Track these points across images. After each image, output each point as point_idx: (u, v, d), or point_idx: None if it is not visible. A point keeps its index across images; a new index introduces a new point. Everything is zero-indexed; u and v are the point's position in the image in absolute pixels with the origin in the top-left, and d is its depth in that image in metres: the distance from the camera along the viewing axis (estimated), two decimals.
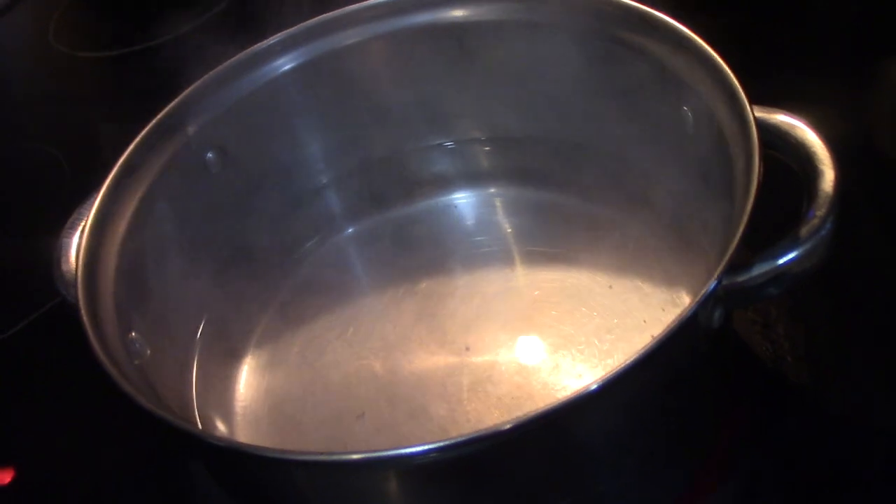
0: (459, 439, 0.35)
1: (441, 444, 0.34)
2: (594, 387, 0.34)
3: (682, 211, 0.51)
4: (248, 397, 0.53)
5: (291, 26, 0.57)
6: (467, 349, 0.53)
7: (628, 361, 0.34)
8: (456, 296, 0.55)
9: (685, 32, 0.47)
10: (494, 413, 0.50)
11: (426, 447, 0.34)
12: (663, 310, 0.52)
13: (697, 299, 0.36)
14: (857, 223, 0.51)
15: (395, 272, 0.57)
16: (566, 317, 0.53)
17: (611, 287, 0.54)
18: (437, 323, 0.54)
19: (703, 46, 0.45)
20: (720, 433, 0.48)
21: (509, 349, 0.52)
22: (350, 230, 0.60)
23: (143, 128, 0.51)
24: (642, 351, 0.35)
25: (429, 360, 0.53)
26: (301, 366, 0.54)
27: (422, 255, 0.58)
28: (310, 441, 0.50)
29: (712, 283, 0.36)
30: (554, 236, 0.57)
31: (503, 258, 0.57)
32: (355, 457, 0.36)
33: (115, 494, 0.54)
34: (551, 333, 0.52)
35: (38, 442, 0.59)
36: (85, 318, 0.41)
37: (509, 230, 0.58)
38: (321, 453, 0.37)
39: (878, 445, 0.47)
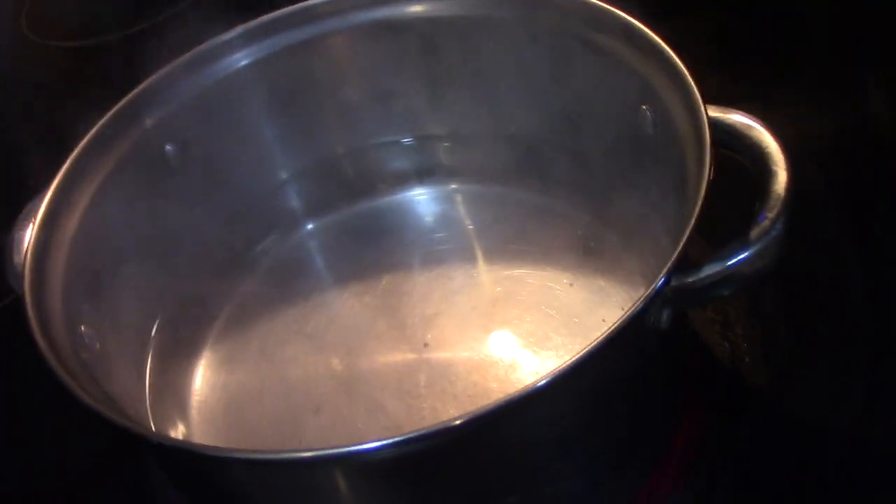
0: (409, 436, 0.34)
1: (391, 440, 0.34)
2: (541, 383, 0.34)
3: (642, 210, 0.51)
4: (205, 393, 0.53)
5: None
6: (426, 345, 0.52)
7: (575, 358, 0.34)
8: (416, 292, 0.55)
9: (644, 31, 0.46)
10: (450, 409, 0.49)
11: (376, 444, 0.34)
12: (623, 308, 0.51)
13: (644, 297, 0.35)
14: (815, 225, 0.51)
15: (355, 268, 0.57)
16: (526, 314, 0.53)
17: (571, 285, 0.53)
18: (397, 319, 0.54)
19: (660, 45, 0.45)
20: (677, 433, 0.48)
21: (468, 346, 0.52)
22: (310, 226, 0.60)
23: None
24: (589, 347, 0.34)
25: (387, 356, 0.53)
26: (259, 361, 0.54)
27: (382, 251, 0.58)
28: (266, 436, 0.50)
29: (659, 282, 0.36)
30: (515, 233, 0.56)
31: (464, 255, 0.57)
32: (304, 455, 0.35)
33: (69, 494, 0.54)
34: (511, 331, 0.52)
35: None
36: (29, 309, 0.40)
37: (470, 227, 0.58)
38: (269, 452, 0.36)
39: (835, 446, 0.47)
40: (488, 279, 0.55)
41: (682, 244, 0.36)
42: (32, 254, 0.44)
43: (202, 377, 0.54)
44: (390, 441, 0.34)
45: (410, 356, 0.52)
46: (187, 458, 0.38)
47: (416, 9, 0.53)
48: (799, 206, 0.39)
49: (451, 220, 0.59)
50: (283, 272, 0.58)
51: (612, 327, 0.35)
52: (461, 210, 0.59)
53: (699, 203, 0.38)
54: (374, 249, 0.58)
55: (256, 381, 0.53)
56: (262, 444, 0.49)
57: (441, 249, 0.57)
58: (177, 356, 0.53)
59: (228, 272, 0.57)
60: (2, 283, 0.61)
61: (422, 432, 0.34)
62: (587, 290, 0.53)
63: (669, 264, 0.36)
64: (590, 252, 0.54)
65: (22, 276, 0.44)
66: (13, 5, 1.00)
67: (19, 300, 0.45)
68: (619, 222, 0.53)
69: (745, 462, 0.48)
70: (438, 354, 0.52)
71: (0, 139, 0.84)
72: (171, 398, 0.52)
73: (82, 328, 0.44)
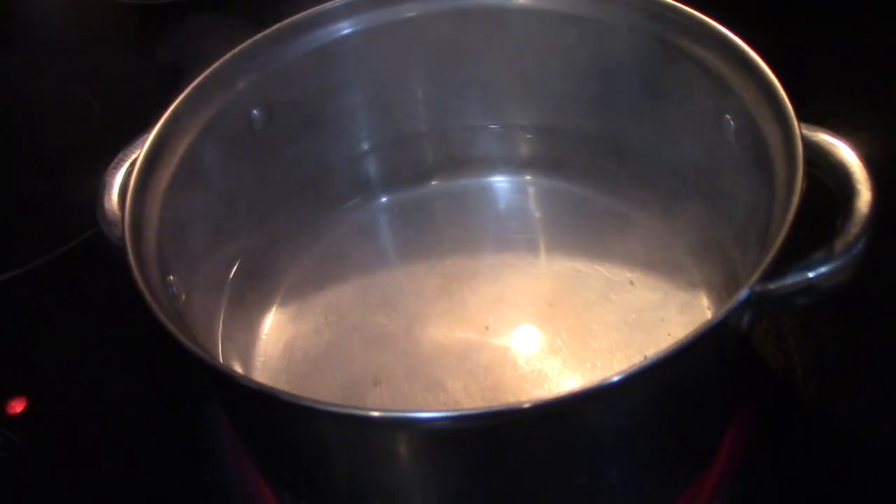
0: (483, 410, 0.36)
1: (460, 413, 0.36)
2: (615, 379, 0.35)
3: (712, 220, 0.53)
4: (268, 352, 0.54)
5: None
6: (487, 328, 0.54)
7: (653, 358, 0.35)
8: (480, 276, 0.57)
9: (736, 41, 0.47)
10: (508, 393, 0.51)
11: (448, 414, 0.36)
12: (681, 311, 0.53)
13: (733, 302, 0.37)
14: (875, 245, 0.52)
15: (423, 245, 0.58)
16: (585, 308, 0.54)
17: (632, 283, 0.55)
18: (460, 300, 0.56)
19: (754, 57, 0.46)
20: (727, 437, 0.50)
21: (528, 333, 0.53)
22: (385, 199, 0.61)
23: (178, 81, 0.52)
24: (670, 348, 0.36)
25: (448, 335, 0.54)
26: (323, 326, 0.55)
27: (451, 232, 0.59)
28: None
29: (748, 288, 0.37)
30: (581, 228, 0.58)
31: (531, 246, 0.58)
32: (375, 414, 0.36)
33: (125, 430, 0.56)
34: (569, 322, 0.54)
35: (53, 374, 0.60)
36: (131, 259, 0.42)
37: (539, 219, 0.60)
38: (347, 407, 0.37)
39: (881, 462, 0.49)
40: (551, 271, 0.57)
41: (775, 250, 0.38)
42: (131, 205, 0.45)
43: (266, 338, 0.55)
44: (464, 413, 0.36)
45: (471, 337, 0.54)
46: (273, 406, 0.39)
47: (516, 1, 0.54)
48: (872, 242, 0.41)
49: (521, 211, 0.60)
50: (354, 241, 0.59)
51: (698, 329, 0.36)
52: (532, 202, 0.61)
53: (791, 213, 0.39)
54: (444, 230, 0.59)
55: (319, 345, 0.54)
56: None
57: (509, 238, 0.58)
58: (244, 314, 0.55)
59: (302, 235, 0.58)
60: (78, 223, 0.63)
61: (495, 409, 0.36)
62: (648, 291, 0.54)
63: (760, 270, 0.38)
64: (654, 255, 0.55)
65: (114, 223, 0.46)
66: None
67: (99, 239, 0.47)
68: (688, 230, 0.54)
69: (790, 471, 0.49)
70: (498, 338, 0.53)
71: (60, 89, 0.86)
72: (237, 354, 0.53)
73: (171, 277, 0.46)
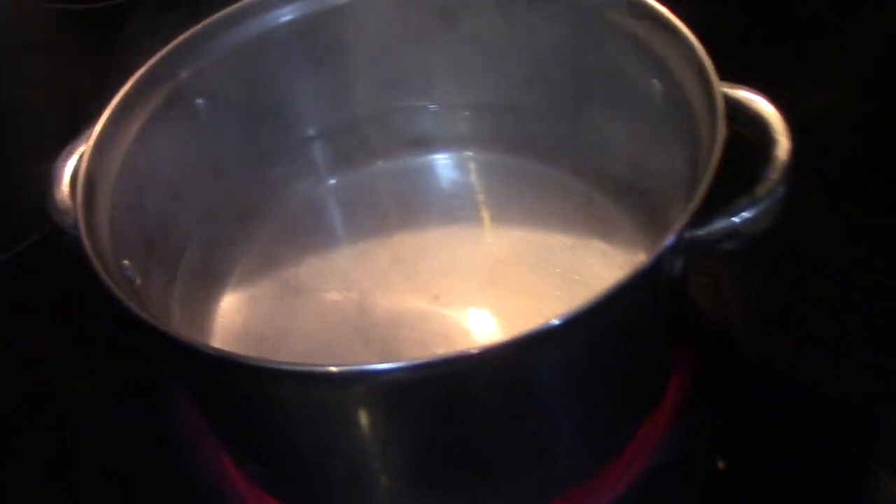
0: (433, 359, 0.37)
1: (418, 362, 0.37)
2: (557, 321, 0.37)
3: (645, 178, 0.55)
4: (225, 334, 0.56)
5: None
6: (437, 298, 0.56)
7: (593, 300, 0.37)
8: (428, 249, 0.59)
9: (657, 7, 0.50)
10: None
11: (402, 364, 0.36)
12: (622, 268, 0.55)
13: (663, 245, 0.39)
14: (799, 198, 0.55)
15: (372, 224, 0.60)
16: (531, 272, 0.56)
17: (573, 247, 0.57)
18: (410, 273, 0.57)
19: (675, 22, 0.49)
20: (671, 385, 0.52)
21: (477, 299, 0.55)
22: (332, 181, 0.63)
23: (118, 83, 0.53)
24: (607, 290, 0.38)
25: (401, 306, 0.56)
26: (278, 306, 0.57)
27: (399, 209, 0.61)
28: None
29: (675, 234, 0.40)
30: (523, 199, 0.60)
31: (474, 217, 0.60)
32: (333, 369, 0.37)
33: (84, 422, 0.57)
34: (516, 287, 0.56)
35: (8, 372, 0.60)
36: (86, 244, 0.43)
37: (481, 191, 0.62)
38: (305, 364, 0.38)
39: (812, 399, 0.52)
40: (496, 240, 0.59)
41: (697, 199, 0.40)
42: (83, 187, 0.46)
43: (221, 320, 0.56)
44: (418, 363, 0.37)
45: (423, 306, 0.55)
46: (233, 372, 0.40)
47: None
48: (791, 187, 0.43)
49: (465, 186, 0.62)
50: (305, 222, 0.61)
51: (631, 272, 0.38)
52: (474, 177, 0.63)
53: (713, 164, 0.41)
54: (391, 208, 0.61)
55: (275, 324, 0.56)
56: None
57: (453, 211, 0.61)
58: (199, 298, 0.56)
59: (253, 218, 0.60)
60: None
61: (446, 356, 0.37)
62: (588, 252, 0.57)
63: (686, 216, 0.40)
64: (591, 218, 0.58)
65: (67, 211, 0.47)
66: None
67: (56, 231, 0.48)
68: (623, 193, 0.57)
69: (728, 414, 0.52)
70: (449, 306, 0.55)
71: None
72: (195, 336, 0.54)
73: (125, 262, 0.47)
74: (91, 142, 0.48)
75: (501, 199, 0.61)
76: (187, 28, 0.56)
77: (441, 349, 0.52)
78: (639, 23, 0.51)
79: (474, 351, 0.37)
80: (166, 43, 0.55)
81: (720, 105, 0.44)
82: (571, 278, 0.55)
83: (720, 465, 0.51)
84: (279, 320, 0.56)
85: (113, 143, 0.50)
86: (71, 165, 0.50)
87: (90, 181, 0.47)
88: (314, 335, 0.55)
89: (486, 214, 0.61)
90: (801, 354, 0.54)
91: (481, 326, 0.54)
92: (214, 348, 0.40)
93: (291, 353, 0.54)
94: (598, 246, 0.57)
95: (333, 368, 0.37)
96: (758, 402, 0.52)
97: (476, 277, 0.57)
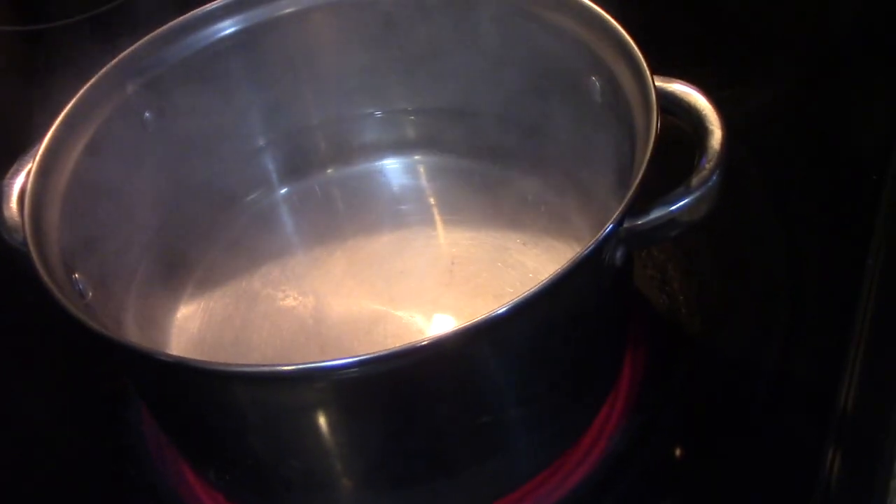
0: (383, 353, 0.37)
1: (364, 357, 0.37)
2: (502, 309, 0.38)
3: (589, 175, 0.56)
4: (181, 343, 0.56)
5: None
6: (391, 300, 0.57)
7: (535, 287, 0.38)
8: (381, 253, 0.59)
9: (592, 7, 0.51)
10: None
11: (356, 359, 0.37)
12: None
13: (601, 235, 0.40)
14: (740, 192, 0.57)
15: (324, 230, 0.61)
16: (483, 272, 0.57)
17: (525, 245, 0.58)
18: (364, 277, 0.58)
19: (608, 20, 0.50)
20: (622, 373, 0.53)
21: (431, 300, 0.56)
22: (283, 191, 0.64)
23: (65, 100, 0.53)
24: (549, 278, 0.39)
25: (355, 310, 0.56)
26: (234, 314, 0.57)
27: (350, 215, 0.62)
28: None
29: (613, 223, 0.41)
30: (472, 200, 0.61)
31: (425, 220, 0.61)
32: (286, 369, 0.38)
33: (44, 437, 0.57)
34: (469, 287, 0.57)
35: None
36: (35, 259, 0.43)
37: (431, 194, 0.63)
38: (259, 366, 0.40)
39: (758, 381, 0.53)
40: (447, 241, 0.60)
41: (632, 190, 0.41)
42: (30, 205, 0.46)
43: (178, 331, 0.57)
44: (369, 357, 0.37)
45: (377, 309, 0.56)
46: (184, 376, 0.41)
47: None
48: (725, 175, 0.45)
49: (414, 189, 0.63)
50: (258, 232, 0.61)
51: (573, 259, 0.39)
52: (424, 180, 0.64)
53: (647, 155, 0.43)
54: (343, 214, 0.62)
55: (232, 332, 0.56)
56: None
57: (404, 215, 0.62)
58: (154, 311, 0.56)
59: (205, 229, 0.60)
60: None
61: (396, 350, 0.38)
62: (540, 249, 0.58)
63: (622, 207, 0.41)
64: (541, 215, 0.59)
65: (16, 228, 0.47)
66: None
67: (4, 251, 0.48)
68: (570, 189, 0.58)
69: (680, 402, 0.54)
70: (403, 308, 0.56)
71: None
72: (151, 345, 0.55)
73: (76, 276, 0.47)
74: (37, 158, 0.48)
75: (452, 201, 0.62)
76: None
77: None
78: (576, 22, 0.53)
79: (424, 342, 0.38)
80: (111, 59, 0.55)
81: (653, 98, 0.45)
82: (525, 276, 0.56)
83: (675, 451, 0.52)
84: (235, 329, 0.56)
85: (60, 159, 0.50)
86: (19, 182, 0.50)
87: (37, 197, 0.47)
88: (271, 343, 0.55)
89: (438, 217, 0.61)
90: (750, 340, 0.55)
91: (437, 327, 0.55)
92: (165, 353, 0.40)
93: (248, 360, 0.54)
94: (549, 243, 0.58)
95: (285, 367, 0.38)
96: (709, 388, 0.54)
97: (431, 279, 0.58)
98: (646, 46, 0.49)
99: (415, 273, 0.58)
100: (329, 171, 0.64)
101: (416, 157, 0.64)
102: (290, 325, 0.56)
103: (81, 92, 0.52)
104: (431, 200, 0.63)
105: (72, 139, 0.51)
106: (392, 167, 0.64)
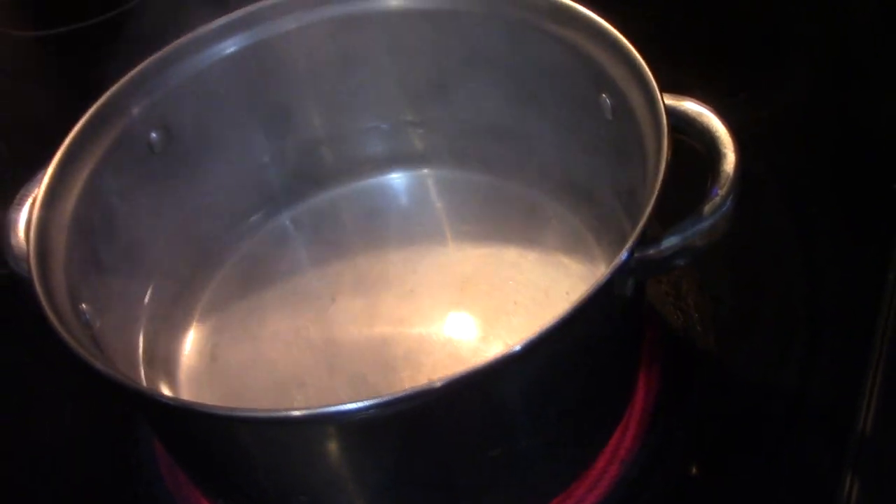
0: (397, 395, 0.37)
1: (382, 399, 0.37)
2: (517, 348, 0.37)
3: (601, 191, 0.55)
4: (192, 370, 0.56)
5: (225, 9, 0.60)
6: (402, 320, 0.56)
7: (549, 324, 0.38)
8: (391, 271, 0.59)
9: (601, 24, 0.50)
10: (426, 379, 0.53)
11: (367, 403, 0.37)
12: (584, 282, 0.55)
13: (612, 268, 0.39)
14: (755, 205, 0.56)
15: (333, 248, 0.60)
16: (494, 290, 0.57)
17: (536, 261, 0.57)
18: (373, 296, 0.58)
19: (618, 37, 0.49)
20: (637, 396, 0.53)
21: (441, 320, 0.56)
22: (290, 207, 0.63)
23: (82, 108, 0.53)
24: (563, 314, 0.38)
25: (365, 331, 0.56)
26: (243, 338, 0.57)
27: (358, 232, 0.61)
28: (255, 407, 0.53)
29: (625, 254, 0.40)
30: (482, 215, 0.60)
31: (435, 235, 0.60)
32: (296, 414, 0.38)
33: (56, 457, 0.57)
34: (481, 305, 0.56)
35: None
36: (39, 291, 0.43)
37: (441, 209, 0.62)
38: (268, 411, 0.39)
39: (777, 406, 0.52)
40: (458, 258, 0.59)
41: (644, 219, 0.40)
42: (35, 236, 0.46)
43: (189, 354, 0.56)
44: (381, 400, 0.37)
45: (388, 330, 0.56)
46: (191, 418, 0.41)
47: (393, 3, 0.56)
48: (739, 200, 0.44)
49: (422, 203, 0.63)
50: (265, 251, 0.61)
51: (584, 295, 0.38)
52: (433, 193, 0.63)
53: (658, 184, 0.42)
54: (351, 230, 0.61)
55: (241, 356, 0.56)
56: None
57: (414, 231, 0.61)
58: (164, 334, 0.56)
59: (213, 250, 0.60)
60: None
61: (409, 392, 0.37)
62: (550, 265, 0.57)
63: (633, 239, 0.40)
64: (551, 231, 0.58)
65: (23, 258, 0.47)
66: None
67: (12, 277, 0.48)
68: (580, 205, 0.57)
69: (694, 422, 0.53)
70: (414, 328, 0.56)
71: None
72: (161, 374, 0.54)
73: (83, 306, 0.47)
74: (42, 187, 0.48)
75: (461, 215, 0.61)
76: (146, 51, 0.57)
77: (406, 373, 0.53)
78: (585, 38, 0.51)
79: (437, 385, 0.37)
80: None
81: (664, 122, 0.44)
82: (535, 295, 0.56)
83: (690, 473, 0.51)
84: (245, 351, 0.56)
85: (65, 186, 0.49)
86: (25, 211, 0.50)
87: (43, 228, 0.47)
88: (281, 364, 0.55)
89: (447, 232, 0.61)
90: (766, 360, 0.54)
91: (446, 348, 0.54)
92: (171, 397, 0.40)
93: (259, 383, 0.54)
94: (559, 259, 0.57)
95: (294, 413, 0.37)
96: (724, 408, 0.53)
97: (440, 297, 0.57)
98: (655, 51, 0.48)
99: (425, 291, 0.57)
100: (335, 186, 0.63)
101: (425, 171, 0.63)
102: (300, 346, 0.56)
103: (86, 115, 0.52)
104: (440, 215, 0.62)
105: (78, 164, 0.51)
106: (399, 181, 0.64)
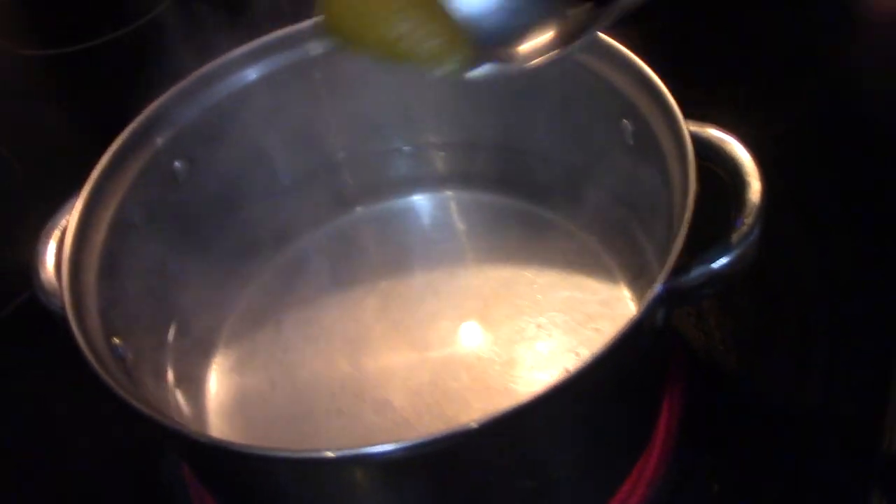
0: (432, 437, 0.37)
1: (417, 441, 0.37)
2: (550, 389, 0.38)
3: (621, 215, 0.56)
4: (220, 397, 0.56)
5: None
6: (426, 345, 0.56)
7: (587, 360, 0.38)
8: (414, 294, 0.59)
9: (621, 50, 0.50)
10: (454, 405, 0.53)
11: (404, 444, 0.37)
12: (606, 304, 0.56)
13: (646, 304, 0.40)
14: (777, 224, 0.56)
15: (356, 272, 0.61)
16: (517, 312, 0.57)
17: (557, 284, 0.58)
18: (398, 320, 0.58)
19: (639, 64, 0.49)
20: (661, 420, 0.53)
21: (466, 344, 0.56)
22: (311, 231, 0.63)
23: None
24: (601, 350, 0.38)
25: (391, 356, 0.56)
26: (268, 364, 0.57)
27: (381, 255, 0.61)
28: (282, 437, 0.53)
29: (658, 288, 0.40)
30: (504, 237, 0.61)
31: (458, 259, 0.61)
32: (330, 455, 0.38)
33: (85, 487, 0.57)
34: (505, 328, 0.56)
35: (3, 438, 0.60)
36: (77, 333, 0.43)
37: (464, 232, 0.62)
38: (302, 451, 0.39)
39: (801, 425, 0.53)
40: (481, 281, 0.59)
41: (675, 253, 0.41)
42: (68, 273, 0.46)
43: (216, 382, 0.57)
44: (419, 441, 0.37)
45: (412, 355, 0.56)
46: (226, 457, 0.41)
47: None
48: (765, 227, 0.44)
49: (445, 226, 0.63)
50: (287, 278, 0.61)
51: (622, 330, 0.39)
52: (455, 216, 0.63)
53: (688, 216, 0.42)
54: (374, 254, 0.61)
55: (267, 384, 0.56)
56: (279, 444, 0.52)
57: (435, 253, 0.61)
58: (191, 363, 0.56)
59: (236, 278, 0.60)
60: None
61: (447, 432, 0.37)
62: (571, 288, 0.57)
63: (666, 271, 0.41)
64: (573, 254, 0.59)
65: (54, 294, 0.47)
66: None
67: (34, 306, 0.48)
68: (601, 228, 0.58)
69: (720, 438, 0.53)
70: (439, 353, 0.56)
71: None
72: (189, 404, 0.55)
73: (115, 340, 0.47)
74: (73, 223, 0.48)
75: (485, 238, 0.61)
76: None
77: (433, 398, 0.53)
78: (605, 63, 0.52)
79: (474, 426, 0.37)
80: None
81: (690, 151, 0.45)
82: (557, 318, 0.56)
83: (714, 495, 0.52)
84: (271, 378, 0.56)
85: (94, 220, 0.50)
86: (53, 243, 0.50)
87: (75, 265, 0.47)
88: (307, 392, 0.55)
89: (470, 255, 0.61)
90: (789, 378, 0.55)
91: (472, 372, 0.54)
92: (207, 436, 0.40)
93: (287, 411, 0.55)
94: (580, 282, 0.58)
95: (329, 454, 0.38)
96: (748, 428, 0.53)
97: (464, 321, 0.57)
98: (672, 71, 0.48)
99: (448, 314, 0.58)
100: (358, 209, 0.64)
101: (448, 193, 0.64)
102: (325, 373, 0.56)
103: (112, 148, 0.52)
104: (464, 238, 0.62)
105: (105, 198, 0.51)
106: (422, 203, 0.64)
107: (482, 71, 0.45)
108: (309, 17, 0.56)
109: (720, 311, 0.58)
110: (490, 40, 0.45)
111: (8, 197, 0.78)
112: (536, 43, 0.45)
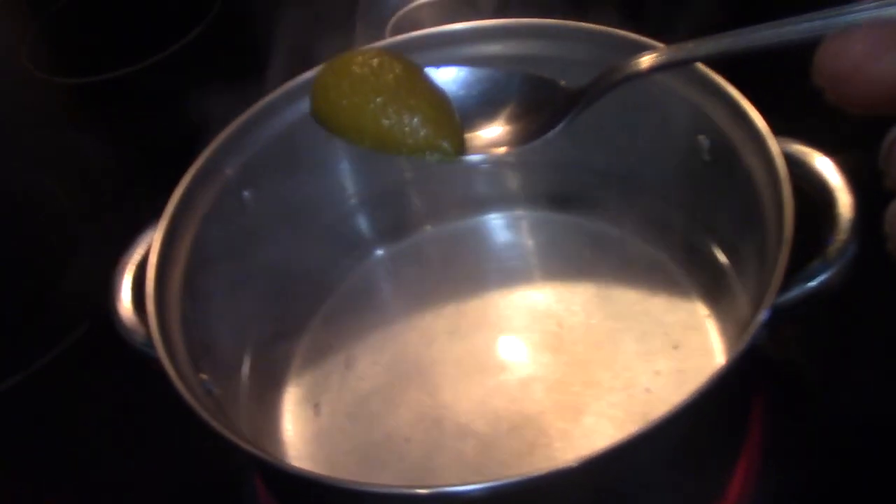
0: (531, 476, 0.37)
1: (508, 482, 0.37)
2: (652, 426, 0.37)
3: (698, 231, 0.55)
4: (296, 428, 0.55)
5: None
6: (502, 367, 0.56)
7: (692, 395, 0.38)
8: (486, 316, 0.58)
9: (704, 70, 0.50)
10: (533, 428, 0.53)
11: (498, 483, 0.37)
12: (683, 322, 0.55)
13: (752, 330, 0.39)
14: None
15: (425, 294, 0.60)
16: (591, 334, 0.56)
17: (634, 303, 0.57)
18: (470, 342, 0.57)
19: (720, 82, 0.49)
20: (745, 438, 0.52)
21: (543, 367, 0.55)
22: (380, 252, 0.63)
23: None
24: (708, 380, 0.38)
25: (466, 380, 0.55)
26: (343, 390, 0.56)
27: (451, 276, 0.61)
28: (362, 466, 0.53)
29: (765, 313, 0.40)
30: (577, 257, 0.60)
31: (530, 278, 0.60)
32: (424, 492, 0.38)
33: None
34: (580, 349, 0.56)
35: (76, 473, 0.60)
36: (172, 374, 0.42)
37: (535, 251, 0.62)
38: (397, 487, 0.39)
39: (884, 438, 0.52)
40: (555, 303, 0.58)
41: (779, 274, 0.40)
42: (154, 310, 0.46)
43: (292, 409, 0.56)
44: (514, 480, 0.37)
45: (488, 378, 0.55)
46: (317, 490, 0.41)
47: (487, 48, 0.56)
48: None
49: (517, 246, 0.62)
50: (356, 301, 0.60)
51: (730, 359, 0.39)
52: (526, 236, 0.63)
53: (787, 236, 0.41)
54: (443, 275, 0.61)
55: (343, 410, 0.55)
56: (358, 473, 0.52)
57: (509, 274, 0.60)
58: (264, 395, 0.56)
59: (304, 304, 0.60)
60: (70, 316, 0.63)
61: (547, 472, 0.37)
62: (647, 308, 0.56)
63: (771, 293, 0.40)
64: (649, 273, 0.58)
65: (134, 329, 0.47)
66: (14, 42, 1.00)
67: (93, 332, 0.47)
68: (676, 246, 0.57)
69: (805, 457, 0.52)
70: (514, 375, 0.55)
71: (17, 178, 0.86)
72: (266, 435, 0.54)
73: (203, 376, 0.47)
74: (154, 257, 0.48)
75: (556, 257, 0.61)
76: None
77: (514, 422, 0.53)
78: (675, 77, 0.52)
79: (574, 465, 0.37)
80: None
81: (781, 168, 0.44)
82: (636, 336, 0.55)
83: None
84: (346, 404, 0.56)
85: (172, 253, 0.50)
86: (128, 277, 0.50)
87: (160, 297, 0.47)
88: (383, 418, 0.54)
89: (541, 275, 0.60)
90: (870, 393, 0.54)
91: (550, 395, 0.54)
92: (310, 472, 0.40)
93: (365, 437, 0.54)
94: (657, 300, 0.57)
95: (421, 491, 0.38)
96: (834, 446, 0.52)
97: (538, 342, 0.57)
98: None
99: (522, 336, 0.57)
100: (427, 228, 0.63)
101: (519, 212, 0.63)
102: (400, 399, 0.55)
103: (184, 181, 0.52)
104: (535, 258, 0.62)
105: (181, 230, 0.51)
106: (493, 222, 0.63)
107: (474, 156, 0.46)
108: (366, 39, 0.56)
109: (796, 323, 0.57)
110: (479, 128, 0.47)
111: (54, 226, 0.78)
112: (526, 128, 0.47)
